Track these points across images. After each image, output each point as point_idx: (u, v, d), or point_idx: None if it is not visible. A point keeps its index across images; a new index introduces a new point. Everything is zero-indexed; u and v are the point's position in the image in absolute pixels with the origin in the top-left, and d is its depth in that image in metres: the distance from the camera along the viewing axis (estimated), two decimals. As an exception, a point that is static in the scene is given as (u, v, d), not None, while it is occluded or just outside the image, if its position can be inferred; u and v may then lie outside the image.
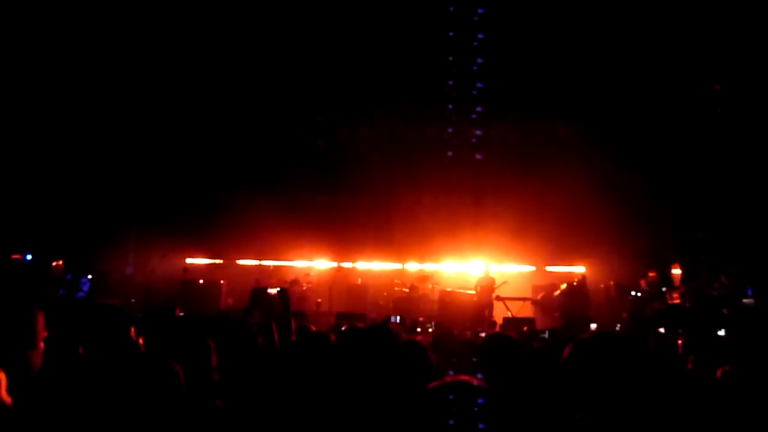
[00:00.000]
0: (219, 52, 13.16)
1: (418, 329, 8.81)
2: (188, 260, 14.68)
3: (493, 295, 12.40)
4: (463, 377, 1.84)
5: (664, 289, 11.44)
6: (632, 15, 11.87)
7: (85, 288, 11.92)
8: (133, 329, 3.42)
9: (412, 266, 14.53)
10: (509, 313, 12.20)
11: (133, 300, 12.24)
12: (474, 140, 13.30)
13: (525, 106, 13.78)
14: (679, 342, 4.34)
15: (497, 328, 10.78)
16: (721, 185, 12.05)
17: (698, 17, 11.25)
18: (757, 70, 11.26)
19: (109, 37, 12.41)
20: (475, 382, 1.81)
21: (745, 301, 10.50)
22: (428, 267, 14.36)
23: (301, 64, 13.49)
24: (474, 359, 2.94)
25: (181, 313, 9.55)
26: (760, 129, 11.49)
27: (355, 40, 13.23)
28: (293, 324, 3.80)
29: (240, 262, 14.92)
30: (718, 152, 12.05)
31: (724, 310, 10.41)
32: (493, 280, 12.61)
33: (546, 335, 6.28)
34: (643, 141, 12.97)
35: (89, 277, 12.22)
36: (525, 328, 8.39)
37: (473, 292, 12.49)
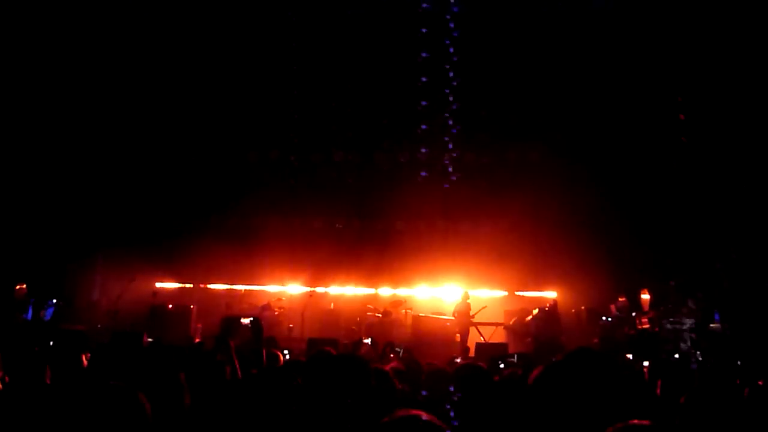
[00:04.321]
0: (186, 76, 13.21)
1: (391, 355, 8.74)
2: (157, 284, 14.40)
3: (469, 321, 12.45)
4: (414, 412, 1.84)
5: (633, 313, 11.60)
6: (605, 45, 12.27)
7: (50, 312, 11.58)
8: (84, 357, 3.33)
9: (386, 291, 14.47)
10: (482, 339, 12.24)
11: (99, 325, 11.92)
12: (447, 165, 13.49)
13: (498, 133, 14.04)
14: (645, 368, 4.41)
15: (471, 353, 10.81)
16: (690, 212, 12.36)
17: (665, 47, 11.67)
18: (721, 98, 11.67)
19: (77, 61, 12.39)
20: (426, 417, 1.81)
21: (712, 325, 10.69)
22: (402, 292, 14.31)
23: (274, 85, 13.59)
24: (447, 389, 2.93)
25: (149, 339, 9.37)
26: (725, 157, 11.86)
27: (329, 62, 13.40)
28: (264, 353, 3.76)
29: (210, 286, 14.67)
30: (686, 179, 12.39)
31: (693, 335, 10.59)
32: (468, 306, 12.65)
33: (515, 359, 6.32)
34: (613, 170, 13.28)
35: (54, 301, 11.89)
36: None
37: (447, 317, 12.50)
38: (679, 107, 12.00)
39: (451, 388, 2.80)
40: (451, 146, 14.23)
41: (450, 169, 13.94)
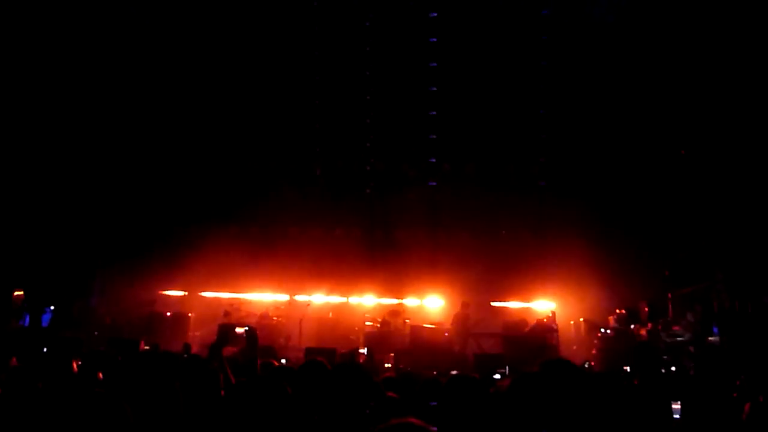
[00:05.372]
0: (195, 82, 13.29)
1: (387, 365, 8.72)
2: (156, 292, 14.35)
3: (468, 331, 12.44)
4: (410, 419, 1.84)
5: (632, 326, 11.56)
6: (604, 55, 12.35)
7: (47, 319, 11.57)
8: (75, 363, 3.32)
9: (385, 301, 14.42)
10: (480, 349, 12.20)
11: (96, 332, 11.90)
12: (446, 177, 13.56)
13: (499, 145, 14.11)
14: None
15: (469, 364, 10.76)
16: (689, 224, 12.37)
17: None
18: (720, 109, 11.72)
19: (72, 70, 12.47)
20: (419, 423, 1.81)
21: (710, 339, 10.65)
22: (400, 302, 14.27)
23: (275, 93, 13.67)
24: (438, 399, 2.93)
25: (146, 347, 9.34)
26: (724, 169, 11.89)
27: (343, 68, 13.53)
28: (259, 361, 3.76)
29: (209, 294, 14.64)
30: (685, 192, 12.41)
31: (691, 348, 10.56)
32: (467, 316, 12.63)
33: (506, 370, 6.31)
34: (613, 182, 13.31)
35: (51, 308, 11.88)
36: None
37: (446, 327, 12.46)
38: (678, 117, 12.04)
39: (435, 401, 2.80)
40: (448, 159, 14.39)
41: (449, 182, 14.00)
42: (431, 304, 14.34)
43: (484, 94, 13.36)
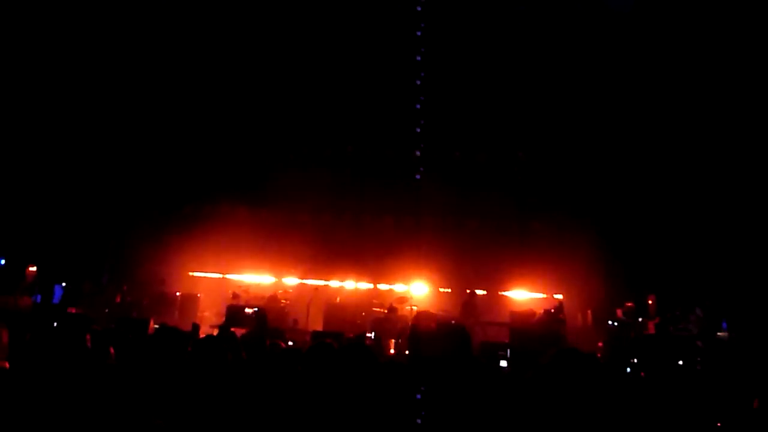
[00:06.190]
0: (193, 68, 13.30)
1: (392, 350, 8.78)
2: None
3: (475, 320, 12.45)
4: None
5: (640, 319, 11.54)
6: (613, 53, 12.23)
7: (58, 295, 11.71)
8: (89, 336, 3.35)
9: (393, 287, 14.47)
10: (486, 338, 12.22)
11: (106, 310, 12.03)
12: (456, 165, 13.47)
13: (506, 134, 14.03)
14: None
15: (475, 353, 10.77)
16: (701, 217, 12.29)
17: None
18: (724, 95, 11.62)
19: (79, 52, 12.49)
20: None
21: (719, 334, 10.61)
22: (408, 289, 14.32)
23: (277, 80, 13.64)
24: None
25: (156, 326, 9.43)
26: (732, 163, 11.79)
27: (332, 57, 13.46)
28: (267, 342, 3.80)
29: (218, 275, 14.74)
30: (697, 186, 12.32)
31: (699, 343, 10.53)
32: (474, 305, 12.65)
33: (507, 353, 6.36)
34: (623, 172, 13.22)
35: (63, 284, 12.02)
36: None
37: (452, 315, 12.48)
38: (686, 113, 11.93)
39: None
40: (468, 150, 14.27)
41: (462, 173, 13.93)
42: (439, 292, 14.37)
43: (492, 83, 13.25)
